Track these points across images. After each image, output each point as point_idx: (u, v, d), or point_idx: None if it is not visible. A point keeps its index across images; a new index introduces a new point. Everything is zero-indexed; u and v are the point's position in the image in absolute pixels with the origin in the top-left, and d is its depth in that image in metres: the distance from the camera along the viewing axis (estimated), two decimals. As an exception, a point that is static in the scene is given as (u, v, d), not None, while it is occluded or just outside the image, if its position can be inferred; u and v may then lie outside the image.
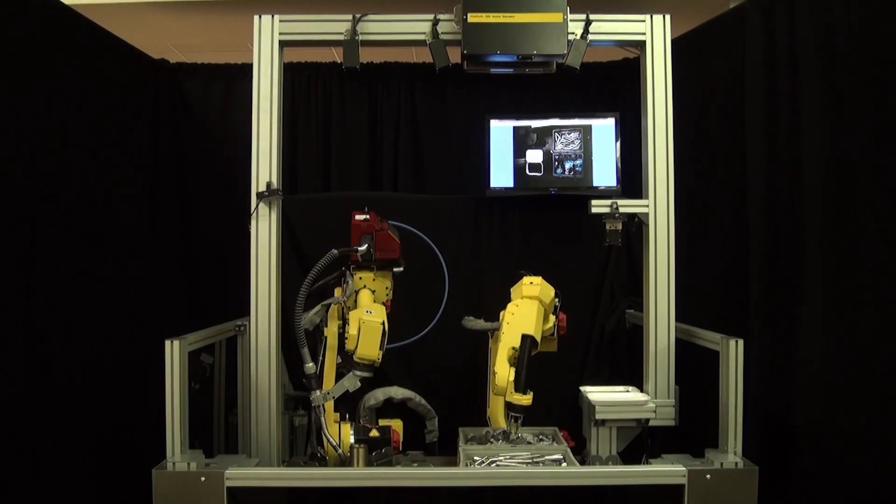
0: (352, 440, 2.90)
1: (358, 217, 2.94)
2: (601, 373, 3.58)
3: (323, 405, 2.77)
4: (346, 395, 2.81)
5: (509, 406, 2.50)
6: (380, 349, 2.59)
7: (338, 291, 3.00)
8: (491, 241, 3.77)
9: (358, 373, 2.66)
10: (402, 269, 2.97)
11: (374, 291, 2.93)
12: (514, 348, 2.58)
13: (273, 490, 2.49)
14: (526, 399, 2.47)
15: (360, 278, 2.94)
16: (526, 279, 2.88)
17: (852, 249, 2.58)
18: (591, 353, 3.64)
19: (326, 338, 2.95)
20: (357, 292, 2.91)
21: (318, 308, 3.10)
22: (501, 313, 2.84)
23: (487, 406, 3.15)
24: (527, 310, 2.73)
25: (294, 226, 3.63)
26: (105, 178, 3.20)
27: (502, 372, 2.50)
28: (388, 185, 4.01)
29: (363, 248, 2.89)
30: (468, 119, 3.88)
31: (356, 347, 2.59)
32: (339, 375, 2.84)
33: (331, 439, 2.82)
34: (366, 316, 2.63)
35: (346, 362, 2.78)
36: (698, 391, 2.90)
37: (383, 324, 2.61)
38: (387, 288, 2.97)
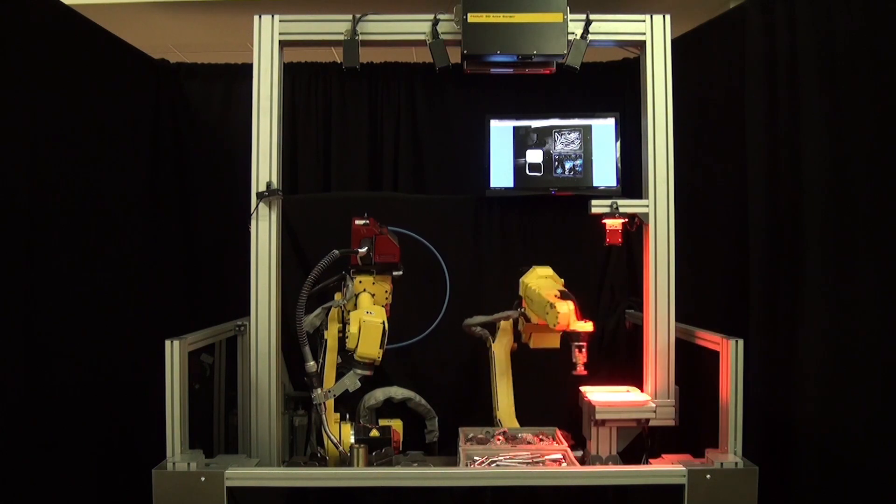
0: (352, 440, 2.90)
1: (357, 222, 2.97)
2: (601, 373, 3.58)
3: (324, 403, 2.78)
4: (346, 395, 2.82)
5: (572, 336, 2.66)
6: (380, 348, 2.60)
7: (338, 296, 3.01)
8: (491, 241, 3.78)
9: (358, 371, 2.67)
10: (401, 272, 2.98)
11: (373, 295, 2.94)
12: (560, 290, 2.75)
13: (273, 490, 2.48)
14: (589, 325, 2.66)
15: (360, 282, 2.96)
16: (537, 267, 3.08)
17: (852, 249, 2.58)
18: (590, 353, 3.64)
19: (326, 340, 2.96)
20: (357, 296, 2.92)
21: (318, 311, 3.11)
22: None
23: (496, 409, 3.15)
24: (552, 281, 2.97)
25: (294, 226, 3.63)
26: (105, 178, 3.20)
27: (564, 308, 2.59)
28: (388, 185, 4.01)
29: (363, 250, 2.90)
30: (468, 119, 3.88)
31: (357, 346, 2.60)
32: (339, 375, 2.84)
33: (332, 437, 2.83)
34: (366, 316, 2.64)
35: (347, 362, 2.79)
36: (698, 391, 2.90)
37: (384, 323, 2.62)
38: (386, 292, 2.98)
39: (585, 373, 2.73)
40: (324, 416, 2.79)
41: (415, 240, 3.63)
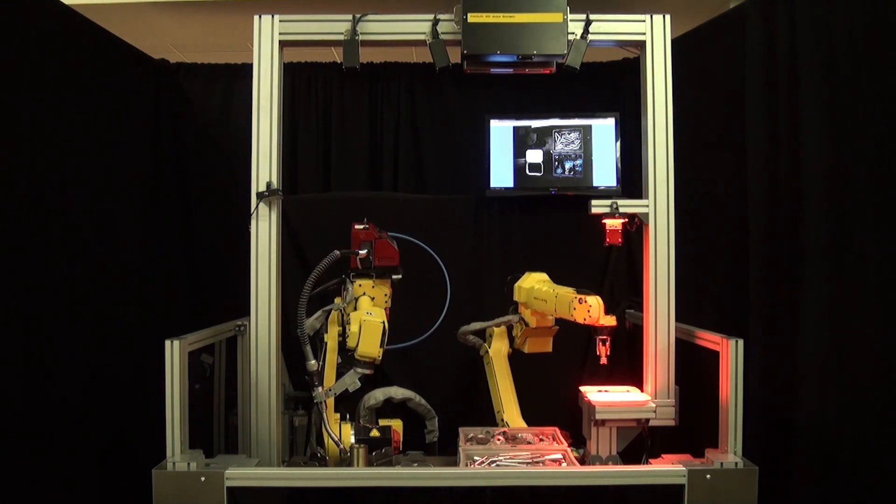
0: (352, 440, 2.90)
1: (357, 227, 2.98)
2: (601, 373, 3.58)
3: (325, 402, 2.79)
4: (346, 395, 2.82)
5: (595, 330, 2.70)
6: (380, 347, 2.61)
7: (338, 300, 3.01)
8: (491, 241, 3.78)
9: (359, 370, 2.68)
10: (400, 276, 2.98)
11: (373, 298, 2.94)
12: (576, 290, 2.80)
13: (273, 490, 2.48)
14: (613, 319, 2.71)
15: (360, 285, 2.96)
16: (531, 273, 3.13)
17: (852, 249, 2.58)
18: (590, 353, 3.64)
19: (326, 342, 2.96)
20: (357, 299, 2.93)
21: (318, 314, 3.11)
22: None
23: (501, 411, 3.15)
24: (549, 285, 3.02)
25: (294, 226, 3.63)
26: (105, 178, 3.20)
27: (595, 301, 2.68)
28: (388, 185, 4.01)
29: (363, 252, 2.90)
30: (468, 119, 3.88)
31: (357, 345, 2.61)
32: (340, 376, 2.85)
33: (332, 434, 2.83)
34: (366, 316, 2.65)
35: (347, 363, 2.79)
36: (698, 391, 2.90)
37: (384, 323, 2.63)
38: (386, 295, 2.99)
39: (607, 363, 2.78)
40: (324, 414, 2.80)
41: (416, 240, 3.63)
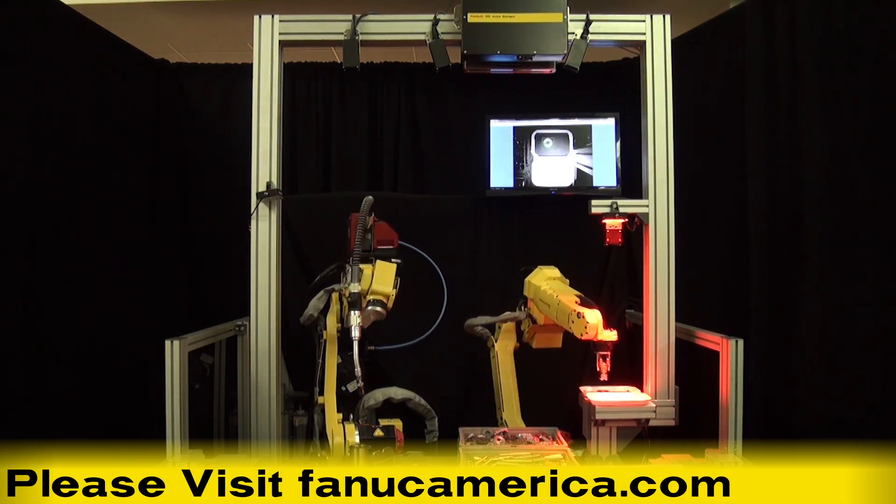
0: (356, 440, 2.89)
1: (356, 214, 2.96)
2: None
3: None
4: (346, 395, 2.81)
5: (596, 345, 2.59)
6: (393, 288, 2.64)
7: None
8: (491, 241, 3.78)
9: (371, 308, 2.64)
10: (399, 262, 2.96)
11: None
12: (578, 296, 2.69)
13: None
14: (614, 335, 2.58)
15: (361, 270, 2.95)
16: (543, 267, 3.03)
17: (852, 249, 2.58)
18: (591, 352, 3.63)
19: (326, 340, 2.95)
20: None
21: (321, 294, 3.09)
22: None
23: (501, 409, 3.15)
24: (560, 282, 2.92)
25: (294, 226, 3.63)
26: (105, 177, 3.21)
27: (593, 318, 2.55)
28: (387, 185, 4.01)
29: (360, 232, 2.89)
30: (468, 119, 3.88)
31: (371, 284, 2.63)
32: (340, 375, 2.83)
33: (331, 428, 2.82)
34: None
35: (347, 362, 2.78)
36: (698, 391, 2.90)
37: (397, 266, 2.68)
38: None
39: (607, 380, 2.69)
40: (356, 352, 2.68)
41: (414, 239, 3.63)
